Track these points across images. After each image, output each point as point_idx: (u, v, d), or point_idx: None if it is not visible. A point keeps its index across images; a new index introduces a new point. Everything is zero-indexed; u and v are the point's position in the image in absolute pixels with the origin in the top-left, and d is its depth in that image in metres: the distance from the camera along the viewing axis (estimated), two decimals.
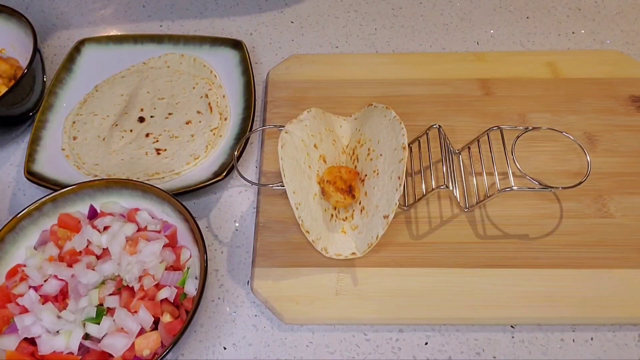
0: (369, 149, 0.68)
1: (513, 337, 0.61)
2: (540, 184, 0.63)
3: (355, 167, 0.69)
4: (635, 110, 0.76)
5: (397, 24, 0.91)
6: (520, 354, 0.60)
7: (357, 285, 0.63)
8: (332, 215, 0.66)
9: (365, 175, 0.66)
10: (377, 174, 0.65)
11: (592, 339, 0.61)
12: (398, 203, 0.60)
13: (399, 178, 0.61)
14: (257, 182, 0.73)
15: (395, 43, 0.88)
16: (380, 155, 0.65)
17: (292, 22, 0.92)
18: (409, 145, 0.72)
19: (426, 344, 0.61)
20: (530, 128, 0.67)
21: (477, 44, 0.87)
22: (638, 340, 0.61)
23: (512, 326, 0.62)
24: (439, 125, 0.69)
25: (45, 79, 0.79)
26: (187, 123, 0.77)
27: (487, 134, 0.68)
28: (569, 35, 0.88)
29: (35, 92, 0.77)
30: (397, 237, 0.66)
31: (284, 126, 0.65)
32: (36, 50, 0.74)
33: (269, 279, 0.64)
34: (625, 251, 0.64)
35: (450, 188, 0.65)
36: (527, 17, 0.91)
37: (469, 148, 0.71)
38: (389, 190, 0.62)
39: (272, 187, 0.66)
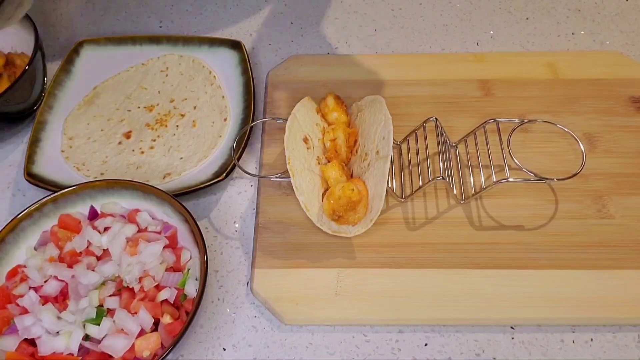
0: (365, 153, 0.68)
1: (513, 337, 0.61)
2: (535, 175, 0.64)
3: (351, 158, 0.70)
4: (635, 111, 0.76)
5: (397, 24, 0.91)
6: (520, 355, 0.60)
7: (357, 286, 0.63)
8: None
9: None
10: (368, 164, 0.65)
11: (592, 339, 0.61)
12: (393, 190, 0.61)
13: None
14: (257, 173, 0.73)
15: (395, 44, 0.88)
16: (369, 151, 0.66)
17: (291, 23, 0.92)
18: (405, 138, 0.72)
19: (426, 344, 0.61)
20: (525, 120, 0.69)
21: (477, 44, 0.88)
22: (638, 341, 0.61)
23: (512, 327, 0.62)
24: (436, 118, 0.69)
25: (45, 79, 0.79)
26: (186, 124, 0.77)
27: (484, 127, 0.69)
28: (568, 36, 0.88)
29: (35, 90, 0.77)
30: (397, 238, 0.66)
31: (282, 119, 0.65)
32: (37, 47, 0.74)
33: (269, 280, 0.64)
34: (625, 252, 0.65)
35: (447, 180, 0.65)
36: (527, 18, 0.91)
37: (466, 141, 0.71)
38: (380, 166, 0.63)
39: (272, 178, 0.67)
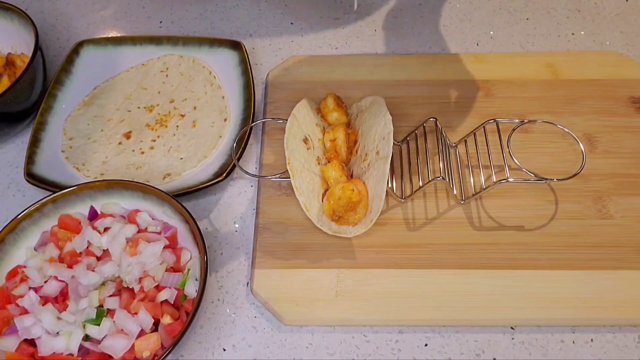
0: (365, 153, 0.68)
1: (513, 338, 0.61)
2: (535, 175, 0.64)
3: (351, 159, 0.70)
4: (635, 112, 0.76)
5: (397, 24, 0.91)
6: (520, 355, 0.60)
7: (357, 286, 0.63)
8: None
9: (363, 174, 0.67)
10: (368, 165, 0.65)
11: (592, 340, 0.61)
12: (393, 190, 0.61)
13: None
14: (257, 174, 0.73)
15: (395, 44, 0.88)
16: (369, 152, 0.66)
17: (291, 24, 0.92)
18: (405, 138, 0.72)
19: (426, 345, 0.61)
20: (526, 121, 0.69)
21: (477, 45, 0.87)
22: (638, 342, 0.61)
23: (512, 327, 0.62)
24: (436, 118, 0.70)
25: (46, 78, 0.79)
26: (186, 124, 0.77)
27: (484, 127, 0.69)
28: (568, 37, 0.88)
29: (36, 90, 0.77)
30: (397, 239, 0.66)
31: (282, 119, 0.66)
32: (37, 47, 0.74)
33: (269, 280, 0.64)
34: (625, 252, 0.65)
35: (447, 180, 0.66)
36: (527, 19, 0.91)
37: (466, 141, 0.72)
38: (379, 166, 0.63)
39: (272, 178, 0.67)
